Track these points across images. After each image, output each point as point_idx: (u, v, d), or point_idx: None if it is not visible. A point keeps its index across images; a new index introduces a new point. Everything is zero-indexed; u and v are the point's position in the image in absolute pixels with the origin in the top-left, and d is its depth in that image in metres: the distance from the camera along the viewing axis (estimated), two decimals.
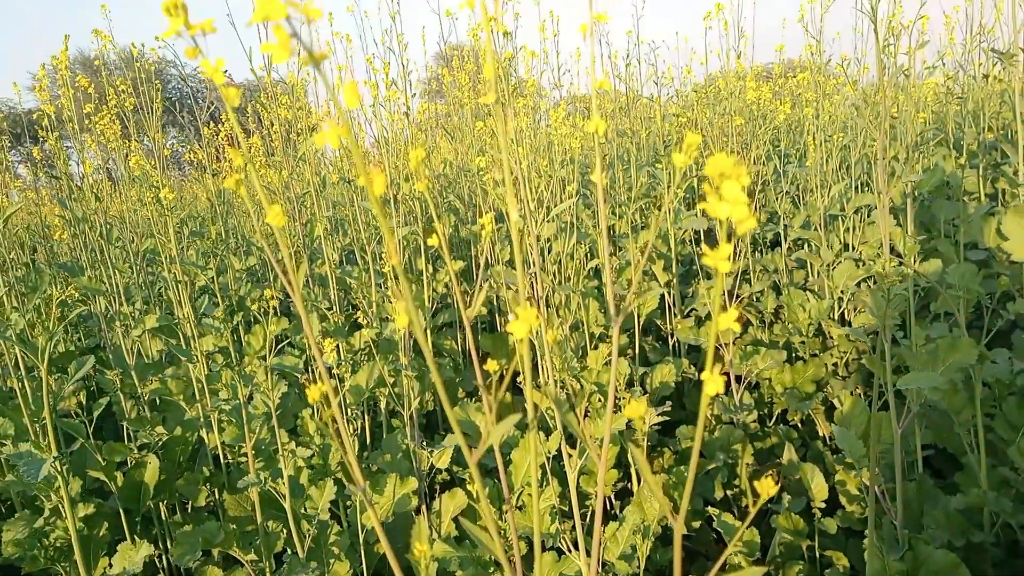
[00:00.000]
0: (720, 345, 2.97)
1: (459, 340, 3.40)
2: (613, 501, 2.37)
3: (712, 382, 0.48)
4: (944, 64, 3.59)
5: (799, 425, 2.66)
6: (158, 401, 2.57)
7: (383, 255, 3.33)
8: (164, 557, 2.11)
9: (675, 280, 3.25)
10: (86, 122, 3.12)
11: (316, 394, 0.58)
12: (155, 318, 2.23)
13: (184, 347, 2.16)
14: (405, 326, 0.54)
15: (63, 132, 3.02)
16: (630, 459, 2.36)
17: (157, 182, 2.47)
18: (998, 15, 2.84)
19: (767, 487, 0.51)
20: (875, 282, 2.61)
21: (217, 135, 4.27)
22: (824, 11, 2.50)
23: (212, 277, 2.33)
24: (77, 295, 2.42)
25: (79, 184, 3.08)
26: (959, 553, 1.53)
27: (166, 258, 2.38)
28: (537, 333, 2.43)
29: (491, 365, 0.73)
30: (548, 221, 3.12)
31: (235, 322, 2.19)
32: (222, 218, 3.06)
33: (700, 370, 3.03)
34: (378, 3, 2.89)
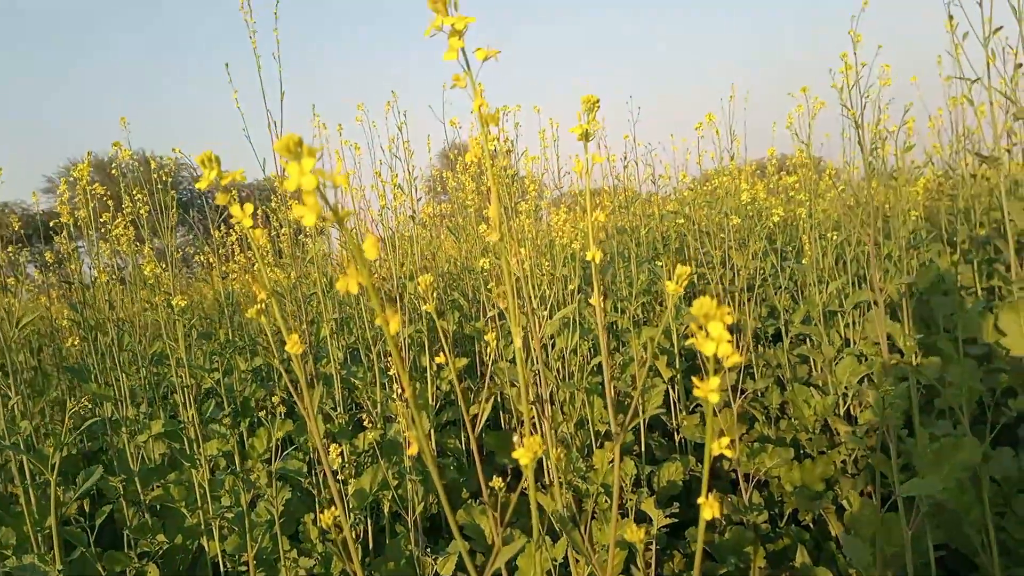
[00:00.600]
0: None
1: (463, 438, 3.38)
2: None
3: (708, 507, 0.50)
4: (933, 163, 3.72)
5: (811, 525, 2.61)
6: (159, 506, 2.54)
7: (387, 354, 3.36)
8: None
9: (679, 375, 3.26)
10: (101, 230, 3.22)
11: (329, 519, 0.60)
12: (160, 423, 2.24)
13: (188, 452, 2.16)
14: (415, 453, 0.56)
15: (78, 236, 3.12)
16: (639, 563, 2.30)
17: (169, 288, 2.54)
18: (980, 118, 2.97)
19: None
20: (874, 382, 2.62)
21: (227, 236, 4.38)
22: (812, 118, 2.62)
23: (218, 380, 2.35)
24: (88, 404, 2.44)
25: (90, 286, 3.16)
26: None
27: (174, 361, 2.42)
28: (542, 435, 2.43)
29: (496, 482, 0.75)
30: (551, 320, 3.16)
31: (241, 429, 2.20)
32: (229, 319, 3.11)
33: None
34: (385, 114, 3.04)
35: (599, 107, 0.77)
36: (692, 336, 0.51)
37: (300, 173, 0.45)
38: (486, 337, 0.92)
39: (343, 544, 0.65)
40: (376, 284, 3.51)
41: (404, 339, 3.12)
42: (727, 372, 3.33)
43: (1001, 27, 1.98)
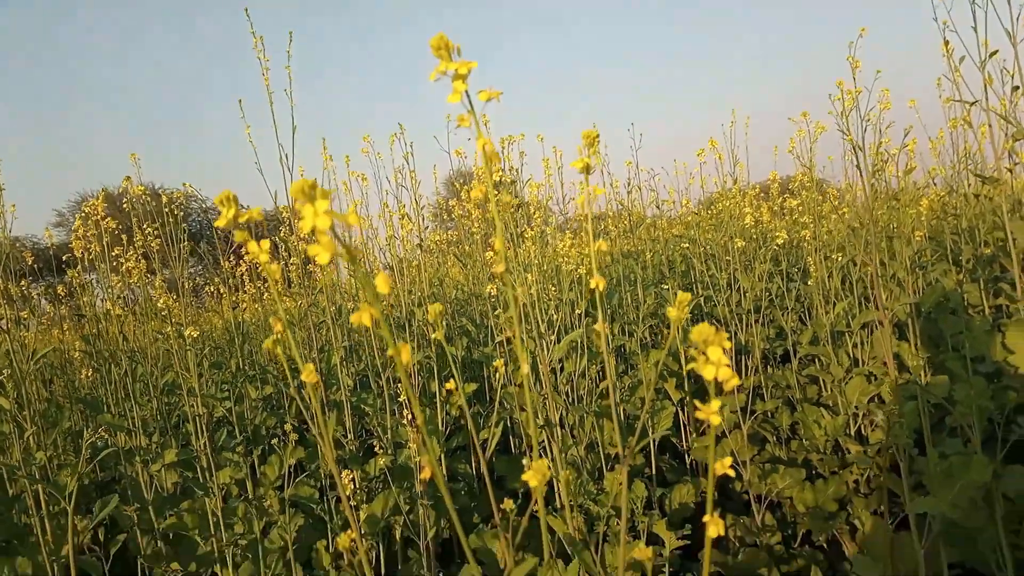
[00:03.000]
0: (737, 464, 2.95)
1: (473, 463, 3.39)
2: None
3: (713, 524, 0.52)
4: (935, 183, 3.74)
5: (825, 546, 2.59)
6: (171, 535, 2.55)
7: (397, 380, 3.37)
8: None
9: (688, 397, 3.26)
10: (113, 263, 3.27)
11: (346, 541, 0.62)
12: (174, 452, 2.26)
13: (200, 480, 2.18)
14: (427, 476, 0.58)
15: (90, 269, 3.17)
16: None
17: (180, 318, 2.57)
18: (980, 140, 2.99)
19: None
20: (883, 401, 2.62)
21: (237, 267, 4.43)
22: (813, 141, 2.65)
23: (230, 408, 2.38)
24: (103, 434, 2.46)
25: (102, 320, 3.20)
26: None
27: (186, 390, 2.44)
28: (552, 458, 2.44)
29: (507, 504, 0.77)
30: (558, 343, 3.18)
31: (253, 458, 2.22)
32: (240, 348, 3.14)
33: (719, 489, 3.00)
34: (391, 145, 3.09)
35: (599, 141, 0.80)
36: (693, 360, 0.53)
37: (315, 215, 0.48)
38: (495, 364, 0.94)
39: (358, 566, 0.67)
40: (385, 312, 3.53)
41: (413, 366, 3.14)
42: (736, 393, 3.34)
43: (996, 51, 2.02)
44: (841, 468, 2.72)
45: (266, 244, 0.68)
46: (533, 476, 0.56)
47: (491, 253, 2.71)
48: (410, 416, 2.23)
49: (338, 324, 3.46)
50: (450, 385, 0.78)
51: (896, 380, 1.72)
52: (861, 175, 1.72)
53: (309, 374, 0.66)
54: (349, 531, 0.64)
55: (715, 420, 0.51)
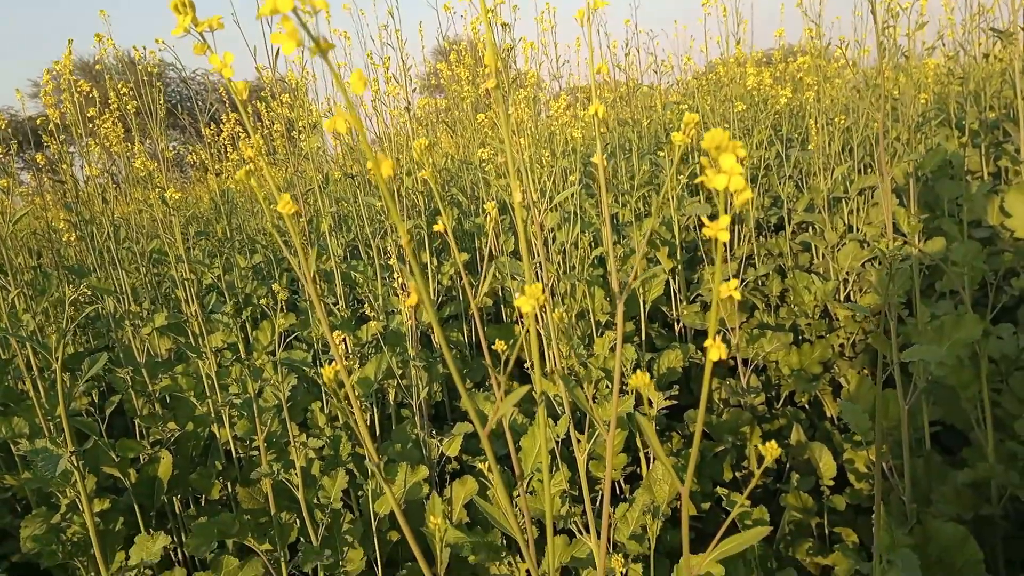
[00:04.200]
0: (726, 329, 2.98)
1: (465, 332, 3.42)
2: (622, 485, 2.39)
3: (715, 348, 0.49)
4: (944, 44, 3.58)
5: (807, 407, 2.66)
6: (168, 399, 2.59)
7: (387, 250, 3.34)
8: (179, 550, 2.13)
9: (680, 267, 3.26)
10: (90, 126, 3.14)
11: (331, 373, 0.59)
12: (164, 316, 2.25)
13: (193, 344, 2.18)
14: (415, 303, 0.55)
15: (67, 137, 3.05)
16: (638, 444, 2.37)
17: (162, 182, 2.49)
18: None
19: (771, 450, 0.52)
20: (880, 263, 2.62)
21: (219, 136, 4.29)
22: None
23: (219, 275, 2.35)
24: (88, 295, 2.44)
25: (84, 187, 3.11)
26: (968, 527, 1.54)
27: (173, 258, 2.40)
28: (543, 323, 2.45)
29: (499, 345, 0.75)
30: (551, 210, 3.13)
31: (243, 318, 2.21)
32: (226, 218, 3.08)
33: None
34: (374, 2, 2.90)
35: None
36: (702, 174, 0.49)
37: None
38: (485, 206, 0.89)
39: (354, 424, 0.65)
40: (370, 178, 3.44)
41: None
42: (728, 262, 3.33)
43: None
44: (828, 333, 2.75)
45: (229, 57, 0.61)
46: (526, 301, 0.53)
47: (482, 116, 2.60)
48: (401, 283, 2.21)
49: (326, 193, 3.38)
50: (438, 227, 0.73)
51: (891, 241, 1.70)
52: (876, 23, 1.62)
53: (286, 204, 0.62)
54: (335, 364, 0.61)
55: (723, 236, 0.47)
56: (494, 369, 0.67)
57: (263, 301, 1.88)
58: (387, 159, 0.52)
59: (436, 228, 0.75)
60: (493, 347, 0.77)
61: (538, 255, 2.57)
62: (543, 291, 0.52)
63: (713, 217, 0.50)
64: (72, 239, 2.37)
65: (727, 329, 2.96)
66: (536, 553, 0.94)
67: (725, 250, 2.88)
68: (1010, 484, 1.61)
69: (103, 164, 3.28)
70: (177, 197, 1.93)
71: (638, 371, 0.58)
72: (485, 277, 0.78)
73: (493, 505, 1.06)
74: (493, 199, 3.54)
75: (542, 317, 2.42)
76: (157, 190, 2.41)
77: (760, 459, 2.40)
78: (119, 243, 2.44)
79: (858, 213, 2.89)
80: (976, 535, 1.53)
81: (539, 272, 2.54)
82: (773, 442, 0.53)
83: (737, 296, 0.52)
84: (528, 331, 0.56)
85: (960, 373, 1.75)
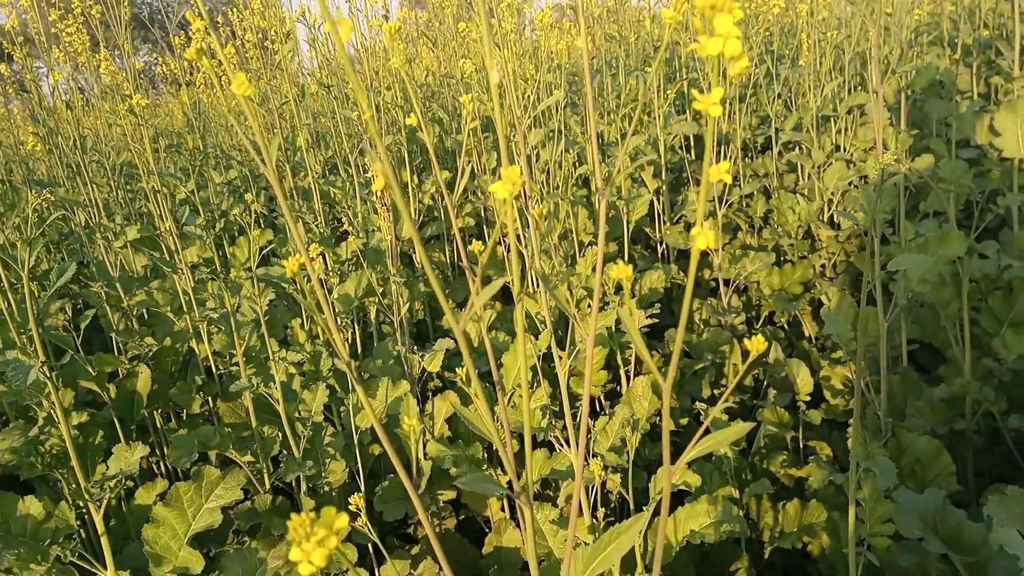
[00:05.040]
0: (709, 250, 2.97)
1: (447, 253, 3.39)
2: (603, 402, 2.41)
3: (703, 236, 0.47)
4: None
5: (786, 327, 2.69)
6: (146, 315, 2.56)
7: (366, 167, 3.26)
8: (162, 464, 2.14)
9: (664, 187, 3.22)
10: (52, 30, 2.99)
11: (294, 265, 0.56)
12: (137, 229, 2.19)
13: (168, 260, 2.13)
14: (381, 187, 0.52)
15: (31, 50, 2.90)
16: (619, 361, 2.39)
17: (129, 91, 2.39)
18: None
19: (757, 343, 0.50)
20: (866, 182, 2.60)
21: (189, 43, 4.10)
22: None
23: (192, 190, 2.28)
24: (55, 202, 2.37)
25: (50, 98, 2.98)
26: (942, 440, 1.57)
27: (144, 171, 2.33)
28: (526, 245, 2.43)
29: (475, 245, 0.72)
30: (535, 126, 3.06)
31: (217, 230, 2.16)
32: (198, 131, 2.98)
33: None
34: None
35: None
36: (695, 42, 0.45)
37: None
38: (461, 99, 0.85)
39: (334, 341, 0.63)
40: (347, 92, 3.31)
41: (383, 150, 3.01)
42: (713, 184, 3.29)
43: None
44: (810, 253, 2.75)
45: None
46: (501, 187, 0.50)
47: (464, 25, 2.50)
48: (378, 196, 2.16)
49: (302, 107, 3.28)
50: (412, 119, 0.69)
51: (881, 154, 1.67)
52: None
53: (241, 85, 0.57)
54: (298, 256, 0.58)
55: (714, 112, 0.43)
56: (471, 270, 0.64)
57: (237, 212, 1.83)
58: (347, 20, 0.47)
59: (410, 121, 0.70)
60: (470, 247, 0.74)
61: (521, 174, 2.52)
62: (520, 180, 0.49)
63: (701, 145, 0.47)
64: (38, 149, 2.28)
65: (710, 251, 2.95)
66: (517, 466, 0.94)
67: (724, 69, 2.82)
68: (985, 400, 1.63)
69: (69, 74, 3.14)
70: (144, 104, 1.84)
71: (619, 262, 0.56)
72: (462, 177, 0.74)
73: (473, 412, 1.05)
74: (475, 115, 3.45)
75: (524, 235, 2.39)
76: (126, 102, 2.31)
77: (750, 374, 2.43)
78: (86, 153, 2.35)
79: (846, 133, 2.85)
80: (949, 449, 1.56)
81: (522, 192, 2.49)
82: (759, 336, 0.51)
83: (728, 180, 0.49)
84: (506, 214, 0.53)
85: (941, 290, 1.76)
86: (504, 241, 3.42)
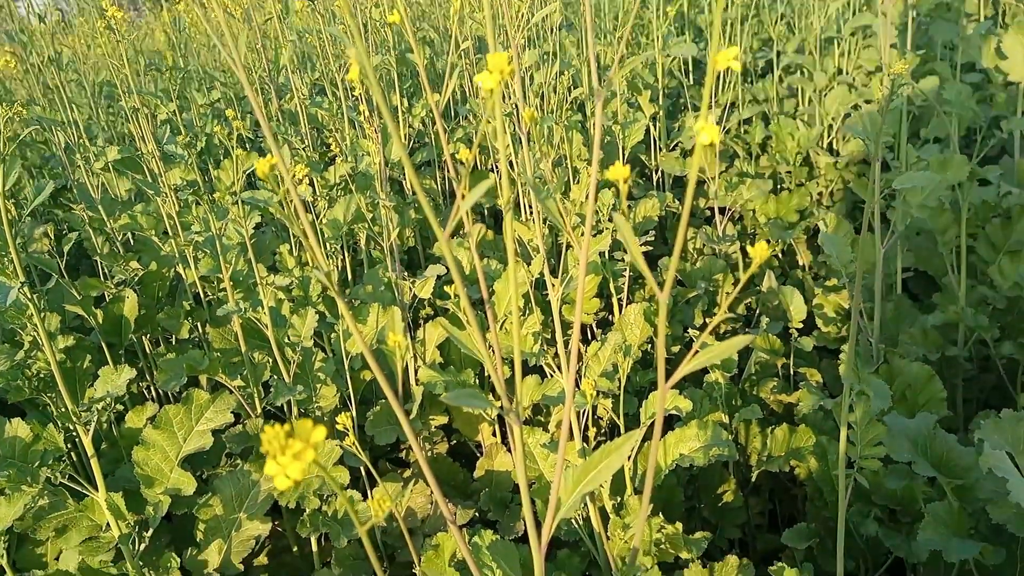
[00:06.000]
0: (706, 178, 2.92)
1: (438, 180, 3.33)
2: (595, 330, 2.41)
3: (707, 129, 0.43)
4: None
5: (780, 255, 2.67)
6: (132, 241, 2.51)
7: (354, 89, 3.16)
8: (152, 389, 2.14)
9: (661, 113, 3.14)
10: None
11: (265, 166, 0.52)
12: (117, 150, 2.13)
13: (151, 183, 2.08)
14: (356, 77, 0.48)
15: None
16: (612, 290, 2.37)
17: (107, 5, 2.28)
18: None
19: (760, 250, 0.48)
20: (868, 103, 2.53)
21: None
22: None
23: (174, 111, 2.21)
24: (31, 120, 2.29)
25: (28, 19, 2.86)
26: (933, 367, 1.57)
27: (123, 89, 2.24)
28: (520, 172, 2.37)
29: (463, 153, 0.68)
30: (528, 47, 2.95)
31: (199, 148, 2.10)
32: (179, 50, 2.87)
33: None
34: None
35: None
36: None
37: None
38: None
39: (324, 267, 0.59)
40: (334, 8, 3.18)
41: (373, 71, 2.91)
42: (711, 109, 3.22)
43: None
44: (808, 181, 2.71)
45: None
46: (488, 77, 0.46)
47: None
48: (366, 118, 2.09)
49: (286, 24, 3.15)
50: (394, 17, 0.64)
51: (889, 68, 1.61)
52: None
53: None
54: (270, 156, 0.54)
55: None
56: (456, 172, 0.60)
57: (218, 129, 1.76)
58: None
59: (392, 19, 0.65)
60: (458, 155, 0.70)
61: (514, 95, 2.44)
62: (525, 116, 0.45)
63: (699, 69, 0.42)
64: (12, 65, 2.19)
65: (707, 179, 2.90)
66: (508, 390, 0.92)
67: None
68: (978, 327, 1.63)
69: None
70: (121, 16, 1.76)
71: (617, 163, 0.53)
72: (450, 78, 0.70)
73: (464, 333, 1.03)
74: (467, 37, 3.33)
75: (516, 163, 2.33)
76: (104, 17, 2.21)
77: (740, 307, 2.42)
78: (62, 69, 2.26)
79: (849, 55, 2.76)
80: (940, 375, 1.56)
81: (515, 113, 2.42)
82: (762, 243, 0.48)
83: (737, 68, 0.45)
84: (493, 108, 0.49)
85: (940, 216, 1.73)
86: (496, 167, 3.36)
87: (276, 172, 0.60)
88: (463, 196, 0.53)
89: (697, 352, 0.54)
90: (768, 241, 2.67)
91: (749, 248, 0.49)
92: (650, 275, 0.53)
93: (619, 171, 0.52)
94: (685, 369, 0.56)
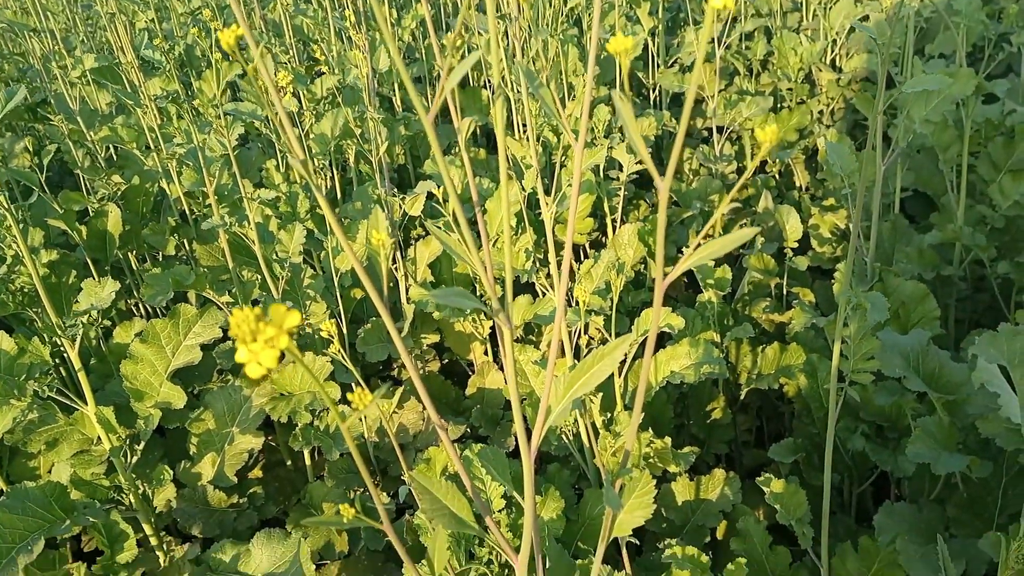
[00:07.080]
0: (704, 96, 2.85)
1: (429, 97, 3.23)
2: (588, 250, 2.38)
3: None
4: None
5: (777, 176, 2.62)
6: (115, 156, 2.45)
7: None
8: (140, 306, 2.12)
9: (660, 27, 3.03)
10: None
11: (230, 37, 0.48)
12: (94, 58, 2.04)
13: (131, 93, 2.00)
14: None
15: None
16: (605, 210, 2.34)
17: None
18: None
19: (770, 133, 0.45)
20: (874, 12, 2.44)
21: None
22: None
23: (152, 19, 2.11)
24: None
25: None
26: (928, 286, 1.56)
27: None
28: (514, 98, 2.30)
29: (448, 37, 0.64)
30: None
31: (178, 56, 2.02)
32: None
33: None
34: None
35: None
36: None
37: None
38: None
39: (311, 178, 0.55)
40: None
41: None
42: (714, 22, 3.10)
43: None
44: (809, 99, 2.64)
45: None
46: None
47: None
48: (354, 29, 2.00)
49: None
50: None
51: None
52: None
53: None
54: (235, 27, 0.50)
55: None
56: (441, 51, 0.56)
57: (195, 32, 1.68)
58: None
59: None
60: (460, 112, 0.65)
61: (507, 5, 2.34)
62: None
63: None
64: None
65: (705, 97, 2.83)
66: (499, 302, 0.90)
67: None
68: (975, 245, 1.61)
69: None
70: None
71: (619, 34, 0.49)
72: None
73: (456, 241, 1.00)
74: None
75: (511, 80, 2.26)
76: None
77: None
78: None
79: None
80: (933, 294, 1.55)
81: (508, 29, 2.33)
82: (773, 126, 0.45)
83: (730, 5, 0.41)
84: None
85: (943, 132, 1.69)
86: (489, 83, 3.26)
87: (261, 83, 0.55)
88: (446, 75, 0.50)
89: (700, 245, 0.51)
90: (765, 163, 2.62)
91: (758, 130, 0.46)
92: (646, 154, 0.50)
93: (620, 42, 0.49)
94: (686, 264, 0.54)
